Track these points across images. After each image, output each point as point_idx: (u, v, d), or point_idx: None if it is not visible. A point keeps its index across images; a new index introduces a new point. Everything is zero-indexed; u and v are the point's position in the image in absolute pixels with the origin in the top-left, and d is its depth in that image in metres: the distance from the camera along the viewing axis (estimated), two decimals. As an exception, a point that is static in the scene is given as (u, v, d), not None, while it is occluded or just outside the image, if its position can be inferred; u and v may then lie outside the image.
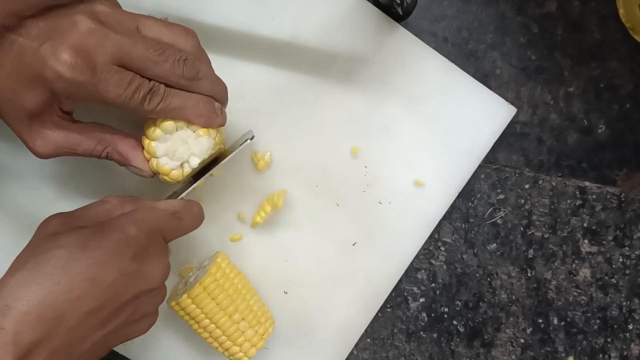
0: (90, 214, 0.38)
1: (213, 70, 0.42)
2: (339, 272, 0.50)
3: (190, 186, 0.43)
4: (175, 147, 0.41)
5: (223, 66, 0.47)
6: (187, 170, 0.42)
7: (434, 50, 0.49)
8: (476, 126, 0.50)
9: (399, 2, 0.46)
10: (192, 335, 0.47)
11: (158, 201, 0.40)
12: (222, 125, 0.42)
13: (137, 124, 0.43)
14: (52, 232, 0.36)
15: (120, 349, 0.49)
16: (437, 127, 0.50)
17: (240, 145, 0.44)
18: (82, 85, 0.36)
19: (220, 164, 0.43)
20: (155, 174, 0.42)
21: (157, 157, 0.41)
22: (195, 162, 0.41)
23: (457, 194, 0.50)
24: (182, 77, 0.39)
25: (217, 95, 0.41)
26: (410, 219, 0.50)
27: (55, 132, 0.39)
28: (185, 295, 0.43)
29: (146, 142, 0.41)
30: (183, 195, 0.43)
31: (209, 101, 0.41)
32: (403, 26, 0.49)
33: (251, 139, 0.45)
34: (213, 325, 0.44)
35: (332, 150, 0.49)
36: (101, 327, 0.35)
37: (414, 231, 0.50)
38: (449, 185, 0.50)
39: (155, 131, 0.40)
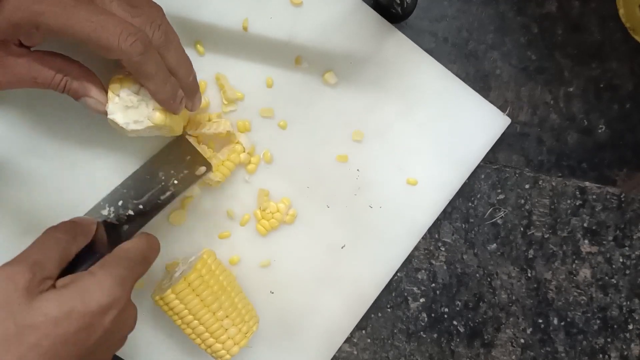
0: (52, 261, 0.36)
1: (182, 48, 0.41)
2: (326, 275, 0.50)
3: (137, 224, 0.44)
4: (134, 99, 0.40)
5: (219, 64, 0.47)
6: (134, 127, 0.41)
7: (431, 57, 0.49)
8: (470, 135, 0.50)
9: (399, 2, 0.46)
10: (175, 331, 0.47)
11: (122, 247, 0.39)
12: (175, 113, 0.41)
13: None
14: (25, 289, 0.33)
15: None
16: (431, 134, 0.49)
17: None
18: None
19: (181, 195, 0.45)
20: (106, 113, 0.41)
21: (117, 94, 0.40)
22: (145, 123, 0.40)
23: (448, 202, 0.50)
24: (158, 38, 0.38)
25: (182, 75, 0.40)
26: (400, 225, 0.50)
27: (15, 60, 0.38)
28: (169, 290, 0.43)
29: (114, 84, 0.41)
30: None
31: (175, 84, 0.40)
32: (403, 26, 0.49)
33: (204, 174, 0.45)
34: (196, 321, 0.44)
35: (324, 153, 0.49)
36: None
37: (402, 237, 0.50)
38: (440, 193, 0.50)
39: (125, 81, 0.40)
